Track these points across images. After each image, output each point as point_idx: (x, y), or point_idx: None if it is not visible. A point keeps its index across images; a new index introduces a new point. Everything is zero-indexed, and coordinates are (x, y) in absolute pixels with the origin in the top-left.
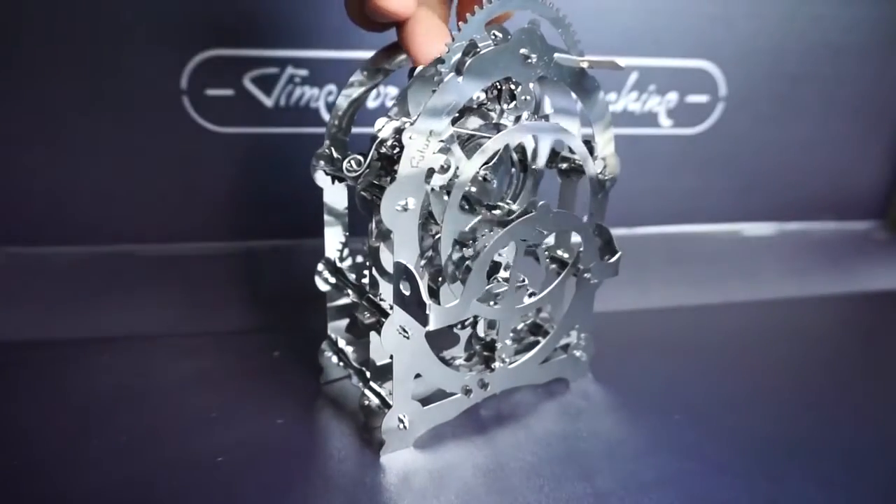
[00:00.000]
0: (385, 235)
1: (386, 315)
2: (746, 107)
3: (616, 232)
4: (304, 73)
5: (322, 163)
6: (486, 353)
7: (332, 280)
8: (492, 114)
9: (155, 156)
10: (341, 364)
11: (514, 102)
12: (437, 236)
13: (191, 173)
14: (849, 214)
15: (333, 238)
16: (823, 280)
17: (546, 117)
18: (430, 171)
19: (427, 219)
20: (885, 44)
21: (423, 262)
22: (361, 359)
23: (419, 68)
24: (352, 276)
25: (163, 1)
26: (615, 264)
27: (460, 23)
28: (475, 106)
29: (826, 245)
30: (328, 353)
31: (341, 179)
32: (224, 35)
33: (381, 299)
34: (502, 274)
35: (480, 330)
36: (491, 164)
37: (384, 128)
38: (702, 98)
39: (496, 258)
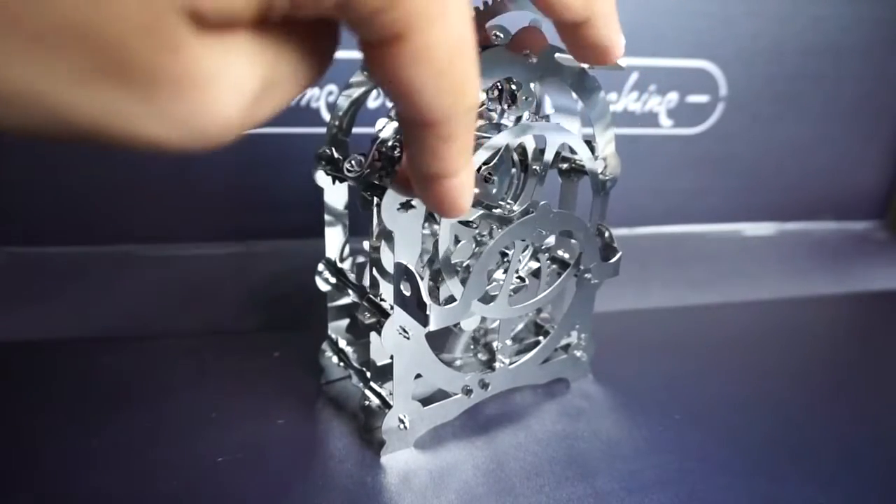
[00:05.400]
0: (386, 235)
1: (386, 315)
2: (746, 107)
3: (616, 232)
4: None
5: (322, 163)
6: (485, 350)
7: (333, 280)
8: (492, 114)
9: (155, 156)
10: (342, 364)
11: (514, 102)
12: (437, 237)
13: (191, 173)
14: (849, 214)
15: (333, 238)
16: (823, 280)
17: (546, 117)
18: None
19: (428, 219)
20: (885, 44)
21: (423, 263)
22: (362, 359)
23: None
24: (352, 276)
25: None
26: (615, 264)
27: None
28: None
29: (826, 245)
30: (328, 354)
31: (341, 179)
32: None
33: (381, 299)
34: (498, 275)
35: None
36: (492, 164)
37: (384, 128)
38: (702, 98)
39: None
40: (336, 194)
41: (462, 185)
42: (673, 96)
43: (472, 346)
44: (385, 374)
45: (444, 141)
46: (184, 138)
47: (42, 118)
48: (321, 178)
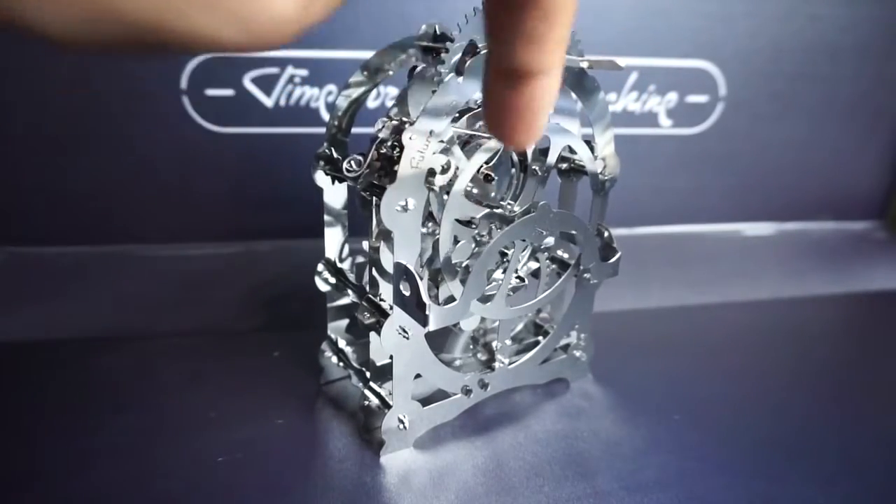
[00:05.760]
0: (385, 235)
1: (386, 315)
2: (746, 107)
3: (616, 232)
4: (304, 73)
5: (322, 163)
6: (485, 350)
7: (332, 280)
8: None
9: (155, 156)
10: (341, 364)
11: None
12: (436, 237)
13: (191, 173)
14: (847, 214)
15: (333, 238)
16: (822, 280)
17: None
18: (431, 172)
19: (427, 219)
20: (884, 44)
21: (422, 263)
22: (361, 359)
23: (419, 67)
24: (352, 277)
25: None
26: (615, 264)
27: (459, 23)
28: (475, 106)
29: (825, 245)
30: (328, 354)
31: (341, 179)
32: None
33: (381, 299)
34: (498, 275)
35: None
36: (492, 164)
37: (384, 128)
38: (701, 98)
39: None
40: (335, 194)
41: (550, 90)
42: (672, 96)
43: (471, 346)
44: (385, 374)
45: (543, 21)
46: (239, 35)
47: (95, 14)
48: (321, 178)
